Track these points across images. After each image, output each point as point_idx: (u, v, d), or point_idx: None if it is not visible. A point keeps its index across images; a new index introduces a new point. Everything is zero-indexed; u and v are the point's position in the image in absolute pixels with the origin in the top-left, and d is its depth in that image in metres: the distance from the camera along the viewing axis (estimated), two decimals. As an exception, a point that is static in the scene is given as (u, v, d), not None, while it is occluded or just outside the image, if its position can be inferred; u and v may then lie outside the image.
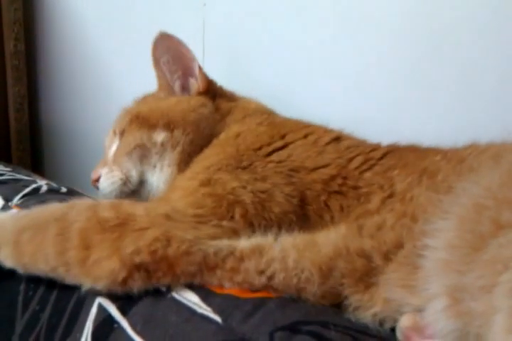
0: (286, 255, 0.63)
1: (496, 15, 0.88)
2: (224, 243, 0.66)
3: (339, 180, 0.74)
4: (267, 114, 0.95)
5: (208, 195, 0.71)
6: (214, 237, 0.66)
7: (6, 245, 0.69)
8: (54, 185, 1.06)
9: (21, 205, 0.93)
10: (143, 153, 0.91)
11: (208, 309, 0.60)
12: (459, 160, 0.70)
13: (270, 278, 0.63)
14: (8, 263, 0.69)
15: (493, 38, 0.89)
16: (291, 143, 0.81)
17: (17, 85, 1.82)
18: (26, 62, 1.83)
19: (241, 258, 0.64)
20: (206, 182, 0.73)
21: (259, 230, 0.69)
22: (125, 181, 0.91)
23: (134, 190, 0.92)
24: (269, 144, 0.81)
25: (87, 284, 0.64)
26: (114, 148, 0.97)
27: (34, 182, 1.05)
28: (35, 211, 0.74)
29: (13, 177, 1.10)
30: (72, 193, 1.03)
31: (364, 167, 0.76)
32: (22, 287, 0.74)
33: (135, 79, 1.53)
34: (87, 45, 1.69)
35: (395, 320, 0.60)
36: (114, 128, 0.99)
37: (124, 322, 0.63)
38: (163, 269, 0.63)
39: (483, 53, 0.90)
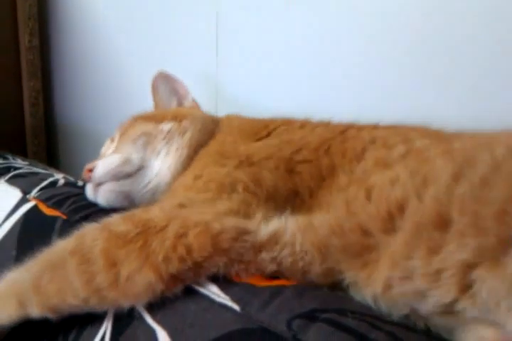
0: (294, 239, 0.64)
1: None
2: (244, 225, 0.64)
3: (339, 138, 0.76)
4: (245, 119, 0.98)
5: (208, 181, 0.73)
6: (230, 210, 0.66)
7: (27, 294, 0.65)
8: (71, 178, 1.07)
9: (39, 196, 0.95)
10: (148, 140, 0.90)
11: (226, 298, 0.61)
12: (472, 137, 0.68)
13: (279, 263, 0.63)
14: (35, 312, 0.64)
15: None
16: (275, 129, 0.83)
17: (32, 80, 1.84)
18: (41, 57, 1.85)
19: (259, 250, 0.63)
20: (199, 176, 0.75)
21: (264, 200, 0.70)
22: (124, 161, 0.87)
23: (132, 173, 0.87)
24: (254, 134, 0.83)
25: (126, 305, 0.62)
26: (110, 151, 0.96)
27: (51, 175, 1.07)
28: (42, 255, 0.69)
29: (30, 170, 1.12)
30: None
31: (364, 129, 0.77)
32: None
33: (147, 75, 1.54)
34: (100, 41, 1.70)
35: (410, 311, 0.57)
36: (113, 136, 0.99)
37: (144, 312, 0.63)
38: (192, 275, 0.62)
39: (495, 49, 0.90)
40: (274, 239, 0.64)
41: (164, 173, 0.87)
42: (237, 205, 0.68)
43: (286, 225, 0.65)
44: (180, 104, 1.08)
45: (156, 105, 1.09)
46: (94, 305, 0.63)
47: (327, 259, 0.63)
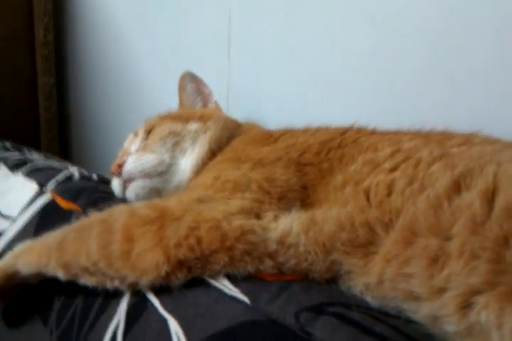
0: (298, 240, 0.66)
1: None
2: (251, 227, 0.66)
3: (338, 140, 0.80)
4: (259, 129, 1.04)
5: (225, 182, 0.76)
6: (242, 208, 0.69)
7: (50, 248, 0.71)
8: (85, 172, 1.09)
9: (55, 189, 0.97)
10: (176, 140, 0.96)
11: (236, 290, 0.63)
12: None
13: (282, 266, 0.65)
14: (51, 265, 0.70)
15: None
16: (280, 136, 0.88)
17: (46, 75, 1.87)
18: (55, 53, 1.88)
19: (268, 256, 0.65)
20: (217, 177, 0.78)
21: (277, 199, 0.73)
22: (160, 162, 0.92)
23: (163, 172, 0.92)
24: (262, 140, 0.88)
25: (130, 278, 0.66)
26: (135, 146, 1.00)
27: (66, 169, 1.08)
28: (77, 222, 0.76)
29: (46, 164, 1.13)
30: (103, 181, 1.05)
31: (361, 134, 0.81)
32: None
33: (161, 69, 1.56)
34: (114, 36, 1.73)
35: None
36: (136, 131, 1.04)
37: (156, 302, 0.66)
38: (199, 266, 0.65)
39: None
40: (281, 244, 0.65)
41: (188, 169, 0.93)
42: (249, 203, 0.71)
43: (291, 225, 0.67)
44: (205, 105, 1.14)
45: (181, 103, 1.15)
46: (100, 270, 0.67)
47: (331, 253, 0.65)
